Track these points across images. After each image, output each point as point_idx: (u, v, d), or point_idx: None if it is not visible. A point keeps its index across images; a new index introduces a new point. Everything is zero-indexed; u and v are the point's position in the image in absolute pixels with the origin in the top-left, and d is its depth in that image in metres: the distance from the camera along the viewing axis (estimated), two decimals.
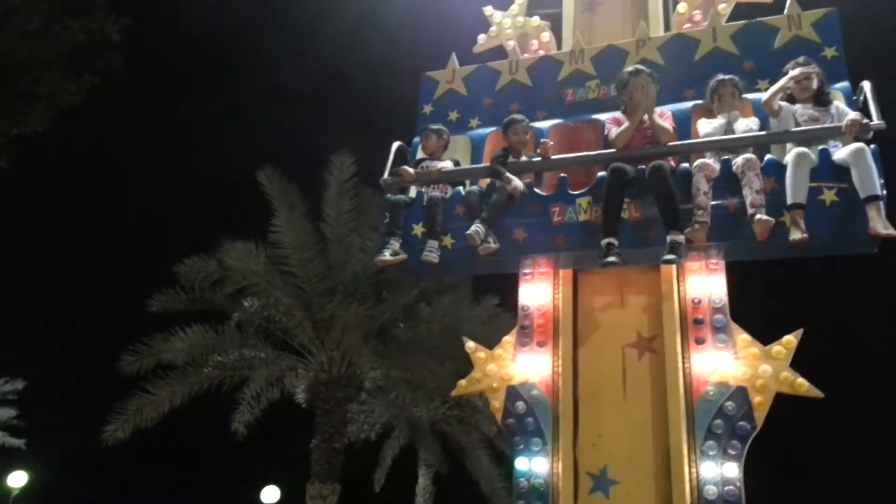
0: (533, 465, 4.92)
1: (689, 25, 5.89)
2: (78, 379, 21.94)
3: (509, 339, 5.36)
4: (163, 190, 24.52)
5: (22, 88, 13.83)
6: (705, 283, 4.98)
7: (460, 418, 16.20)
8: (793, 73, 4.79)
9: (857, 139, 4.40)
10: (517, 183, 5.14)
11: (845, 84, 4.92)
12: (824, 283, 17.96)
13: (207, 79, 26.30)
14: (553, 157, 5.25)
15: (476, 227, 5.00)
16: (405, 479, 18.26)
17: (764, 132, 4.83)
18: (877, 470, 19.11)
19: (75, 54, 14.14)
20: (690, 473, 4.60)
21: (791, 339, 4.69)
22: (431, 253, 5.19)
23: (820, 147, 4.54)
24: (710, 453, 4.56)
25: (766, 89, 4.86)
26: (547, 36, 6.50)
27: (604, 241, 4.69)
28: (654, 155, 4.89)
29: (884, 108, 4.51)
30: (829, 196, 4.39)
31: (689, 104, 5.29)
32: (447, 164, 5.71)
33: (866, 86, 4.70)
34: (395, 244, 5.32)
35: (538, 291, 5.39)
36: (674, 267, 4.99)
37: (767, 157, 4.67)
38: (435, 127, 5.88)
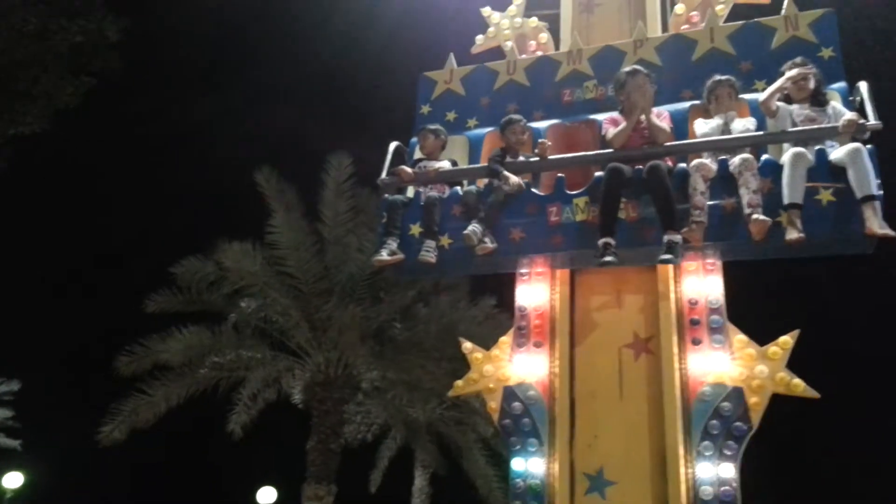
0: (529, 465, 4.89)
1: (686, 26, 5.88)
2: (74, 380, 21.92)
3: (506, 339, 5.33)
4: (160, 190, 24.51)
5: (19, 89, 13.84)
6: (702, 283, 4.97)
7: (457, 419, 16.17)
8: (790, 73, 4.80)
9: (853, 139, 4.42)
10: (515, 179, 5.14)
11: (842, 84, 4.93)
12: (821, 284, 17.99)
13: (205, 79, 26.30)
14: (550, 157, 5.25)
15: (473, 227, 5.00)
16: (401, 479, 18.25)
17: (761, 132, 4.83)
18: (873, 471, 19.13)
19: (73, 55, 14.14)
20: (686, 474, 4.58)
21: (787, 340, 4.69)
22: (429, 253, 5.17)
23: (817, 147, 4.55)
24: (707, 454, 4.54)
25: (764, 90, 4.86)
26: (545, 37, 6.50)
27: (601, 241, 4.68)
28: (651, 155, 4.89)
29: (880, 109, 4.52)
30: (825, 196, 4.39)
31: (687, 104, 5.29)
32: (445, 164, 5.70)
33: (863, 86, 4.70)
34: (393, 244, 5.30)
35: (535, 292, 5.37)
36: (671, 267, 4.98)
37: (764, 157, 4.66)
38: (433, 127, 5.87)
